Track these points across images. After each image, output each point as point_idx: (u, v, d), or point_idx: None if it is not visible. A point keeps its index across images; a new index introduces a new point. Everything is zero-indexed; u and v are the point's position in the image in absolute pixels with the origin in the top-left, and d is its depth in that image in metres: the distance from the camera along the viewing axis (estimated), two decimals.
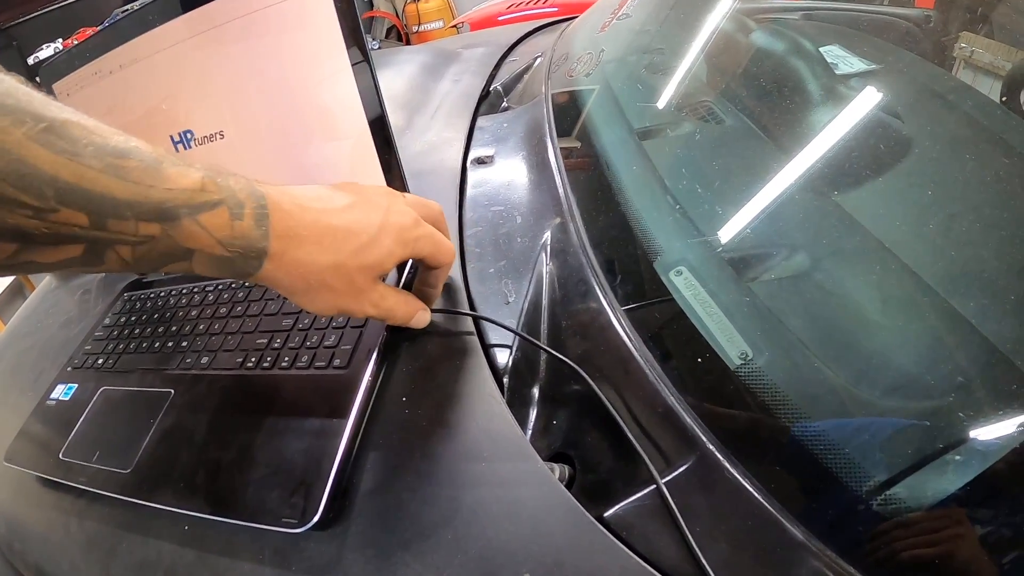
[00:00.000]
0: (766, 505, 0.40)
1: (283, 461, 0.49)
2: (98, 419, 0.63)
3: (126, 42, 0.68)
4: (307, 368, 0.55)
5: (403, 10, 5.83)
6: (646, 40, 0.97)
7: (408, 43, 5.99)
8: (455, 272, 0.62)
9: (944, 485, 0.37)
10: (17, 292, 2.49)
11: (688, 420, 0.44)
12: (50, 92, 0.75)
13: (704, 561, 0.38)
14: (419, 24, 5.72)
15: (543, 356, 0.54)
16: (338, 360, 0.54)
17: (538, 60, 1.18)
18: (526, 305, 0.57)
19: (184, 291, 0.74)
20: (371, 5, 6.16)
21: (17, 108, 0.32)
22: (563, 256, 0.61)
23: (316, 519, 0.44)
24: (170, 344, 0.66)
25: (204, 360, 0.62)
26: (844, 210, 0.49)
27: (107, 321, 0.76)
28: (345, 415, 0.49)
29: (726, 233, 0.54)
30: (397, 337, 0.56)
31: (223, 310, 0.67)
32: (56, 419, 0.66)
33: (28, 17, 2.69)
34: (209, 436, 0.54)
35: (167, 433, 0.57)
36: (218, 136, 0.69)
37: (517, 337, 0.54)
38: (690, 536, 0.40)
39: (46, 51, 2.56)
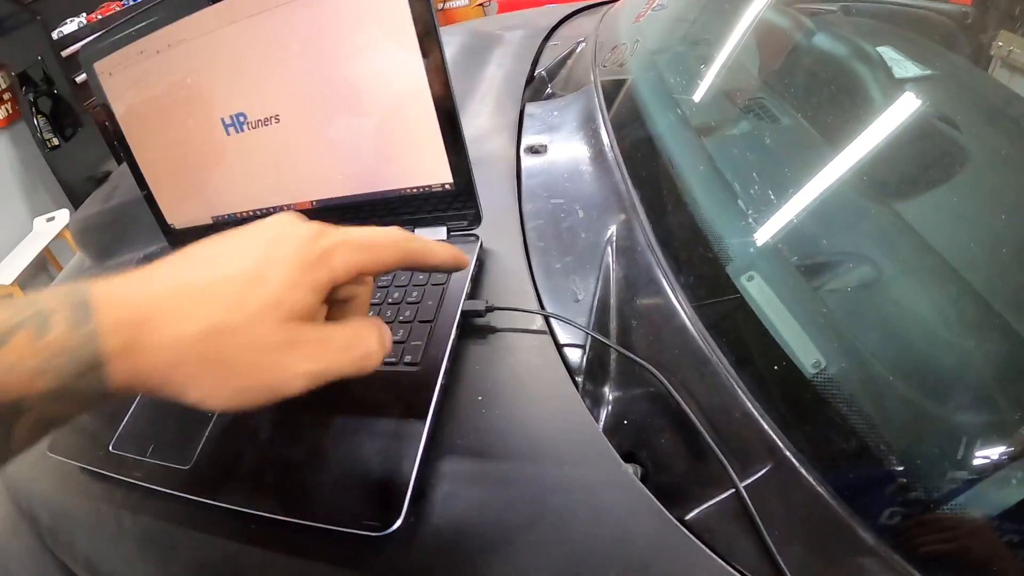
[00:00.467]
0: (840, 511, 0.39)
1: (359, 462, 0.47)
2: (148, 413, 0.61)
3: (174, 22, 0.65)
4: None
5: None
6: (693, 31, 0.96)
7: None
8: (521, 265, 0.61)
9: (1015, 496, 0.36)
10: (41, 267, 2.49)
11: (765, 425, 0.44)
12: (91, 72, 0.72)
13: (783, 565, 0.38)
14: (444, 2, 5.68)
15: (614, 356, 0.52)
16: (409, 357, 0.52)
17: (580, 46, 1.16)
18: (595, 303, 0.56)
19: None
20: None
21: None
22: (631, 254, 0.60)
23: (399, 524, 0.42)
24: None
25: None
26: (910, 223, 0.48)
27: None
28: (423, 415, 0.47)
29: (796, 240, 0.53)
30: (467, 333, 0.55)
31: None
32: (101, 411, 0.63)
33: None
34: (274, 434, 0.52)
35: (228, 429, 0.55)
36: (273, 120, 0.66)
37: (589, 336, 0.52)
38: (769, 540, 0.39)
39: (70, 26, 2.53)
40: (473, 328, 0.55)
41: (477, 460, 0.46)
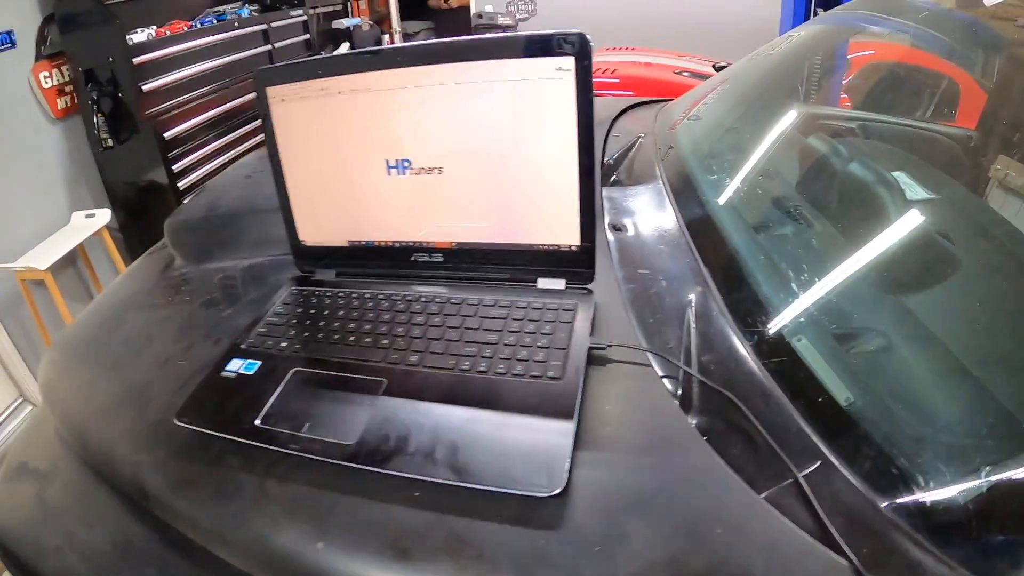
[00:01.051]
0: (867, 494, 0.55)
1: (522, 443, 0.58)
2: (297, 396, 0.70)
3: (362, 72, 0.78)
4: (523, 376, 0.66)
5: None
6: (741, 140, 1.19)
7: None
8: (623, 315, 0.77)
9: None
10: (71, 261, 2.55)
11: (813, 438, 0.60)
12: (262, 94, 0.84)
13: (832, 528, 0.52)
14: None
15: (698, 385, 0.67)
16: (552, 372, 0.65)
17: (639, 141, 1.35)
18: (683, 349, 0.72)
19: (355, 295, 0.83)
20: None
21: None
22: (708, 317, 0.77)
23: (563, 487, 0.53)
24: (367, 340, 0.75)
25: (413, 358, 0.71)
26: (911, 309, 0.72)
27: (278, 309, 0.83)
28: (570, 412, 0.60)
29: (831, 313, 0.76)
30: (592, 361, 0.69)
31: (417, 318, 0.77)
32: (239, 390, 0.71)
33: None
34: (439, 418, 0.63)
35: (392, 413, 0.65)
36: (436, 171, 0.80)
37: (681, 370, 0.67)
38: (821, 510, 0.53)
39: (140, 35, 2.65)
40: (595, 358, 0.69)
41: (610, 447, 0.60)
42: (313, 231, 0.91)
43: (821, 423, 0.60)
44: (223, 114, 3.05)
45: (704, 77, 4.10)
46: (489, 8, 6.02)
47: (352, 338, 0.76)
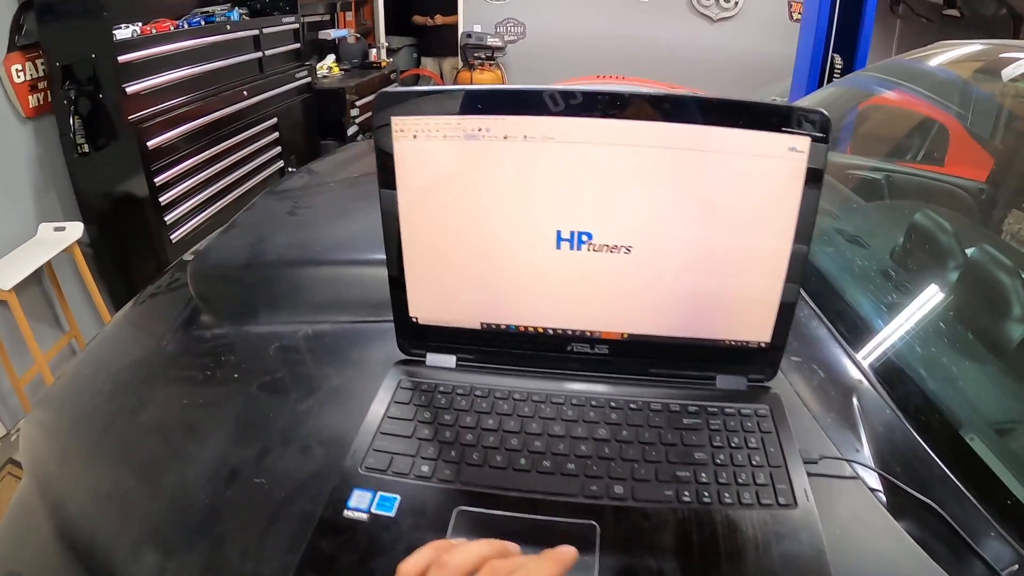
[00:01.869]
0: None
1: None
2: None
3: (547, 115, 0.61)
4: (753, 505, 0.56)
5: (456, 77, 5.98)
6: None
7: None
8: (803, 411, 0.71)
9: None
10: (36, 278, 2.27)
11: None
12: (385, 124, 0.64)
13: None
14: None
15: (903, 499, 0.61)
16: (782, 498, 0.56)
17: None
18: (870, 456, 0.67)
19: (499, 394, 0.67)
20: (418, 62, 6.30)
21: None
22: (878, 417, 0.72)
23: None
24: (544, 463, 0.59)
25: (618, 488, 0.57)
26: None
27: (392, 412, 0.65)
28: (821, 553, 0.52)
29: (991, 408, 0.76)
30: None
31: (599, 430, 0.63)
32: (383, 543, 0.53)
33: None
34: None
35: (627, 573, 0.50)
36: (623, 249, 0.65)
37: (882, 480, 0.63)
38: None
39: (124, 31, 2.40)
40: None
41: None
42: (432, 307, 0.71)
43: (1013, 524, 0.58)
44: (210, 124, 2.79)
45: None
46: (478, 28, 5.95)
47: (523, 460, 0.60)
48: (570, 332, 0.69)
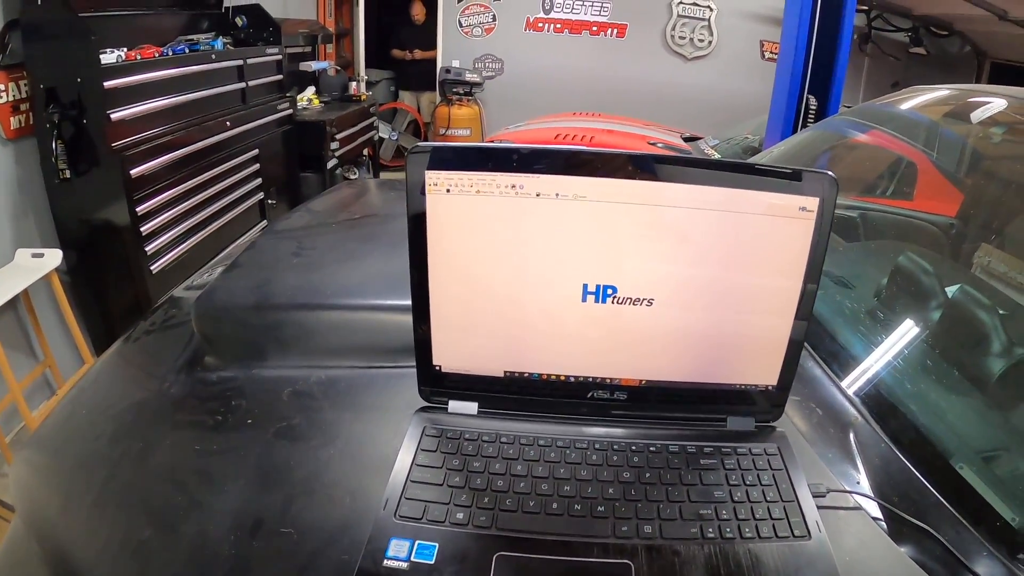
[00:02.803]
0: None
1: None
2: None
3: (581, 176, 0.65)
4: (772, 538, 0.60)
5: (434, 112, 6.03)
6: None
7: (425, 138, 6.16)
8: (807, 448, 0.75)
9: None
10: (11, 306, 2.22)
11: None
12: (418, 178, 0.66)
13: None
14: (448, 127, 5.93)
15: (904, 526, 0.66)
16: (797, 531, 0.61)
17: None
18: (868, 486, 0.72)
19: (524, 440, 0.69)
20: (396, 96, 6.34)
21: None
22: (875, 449, 0.77)
23: None
24: (576, 506, 0.62)
25: (648, 528, 0.60)
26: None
27: (420, 460, 0.66)
28: None
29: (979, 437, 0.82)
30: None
31: (624, 473, 0.66)
32: None
33: (107, 13, 2.53)
34: None
35: None
36: (645, 302, 0.69)
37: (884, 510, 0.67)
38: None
39: (109, 56, 2.38)
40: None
41: None
42: (456, 355, 0.73)
43: (1003, 543, 0.63)
44: (192, 154, 2.77)
45: (676, 149, 4.13)
46: (456, 63, 6.02)
47: (555, 504, 0.62)
48: (591, 379, 0.72)
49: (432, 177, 0.66)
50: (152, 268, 2.55)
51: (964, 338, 0.95)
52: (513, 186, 0.65)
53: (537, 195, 0.65)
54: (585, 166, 0.64)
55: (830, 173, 0.64)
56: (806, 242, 0.66)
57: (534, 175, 0.64)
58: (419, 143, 0.72)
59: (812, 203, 0.64)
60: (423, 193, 0.66)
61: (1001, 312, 0.94)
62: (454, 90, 5.97)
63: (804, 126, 2.65)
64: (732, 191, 0.64)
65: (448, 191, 0.66)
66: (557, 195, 0.65)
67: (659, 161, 0.64)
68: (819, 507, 0.64)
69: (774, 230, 0.65)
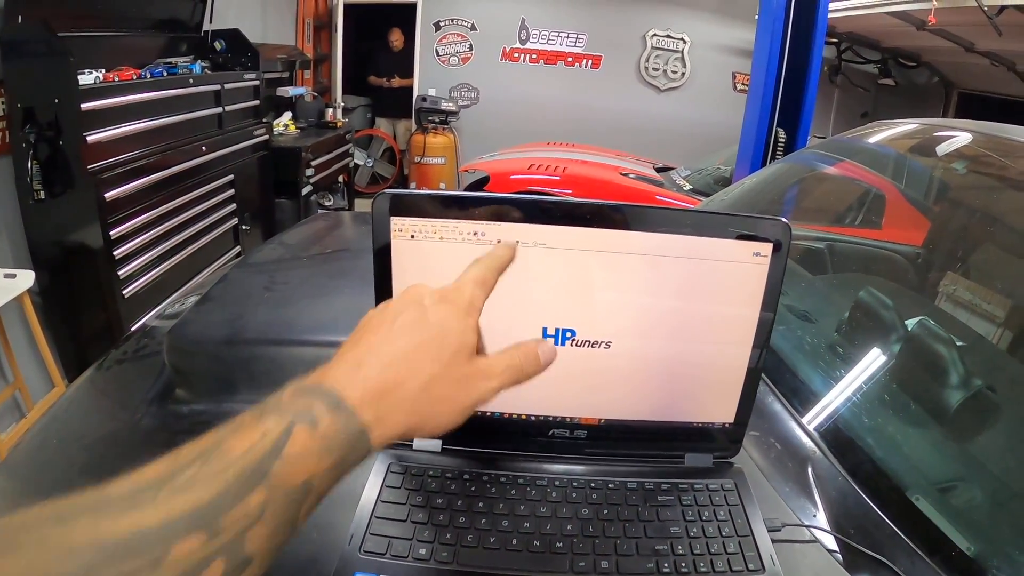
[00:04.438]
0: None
1: None
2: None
3: (539, 223, 0.67)
4: (727, 573, 0.63)
5: (409, 139, 6.05)
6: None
7: (401, 165, 6.18)
8: (763, 482, 0.77)
9: None
10: None
11: None
12: (383, 224, 0.67)
13: None
14: (423, 155, 5.96)
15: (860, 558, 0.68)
16: (751, 565, 0.63)
17: None
18: (826, 520, 0.74)
19: (485, 478, 0.71)
20: (372, 123, 6.36)
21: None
22: (832, 484, 0.80)
23: None
24: (535, 543, 0.64)
25: (604, 564, 0.62)
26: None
27: (385, 497, 0.68)
28: None
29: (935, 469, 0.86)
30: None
31: (583, 510, 0.68)
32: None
33: (86, 34, 2.54)
34: None
35: None
36: (603, 345, 0.70)
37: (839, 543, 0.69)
38: None
39: (87, 77, 2.37)
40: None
41: None
42: None
43: (958, 574, 0.65)
44: (167, 178, 2.77)
45: (648, 180, 4.19)
46: (432, 92, 6.07)
47: (515, 540, 0.64)
48: (551, 418, 0.74)
49: (397, 223, 0.67)
50: (124, 292, 2.54)
51: (922, 371, 0.98)
52: (475, 233, 0.67)
53: (498, 241, 0.67)
54: (545, 214, 0.66)
55: (783, 220, 0.67)
56: (760, 286, 0.68)
57: (495, 223, 0.66)
58: (385, 190, 0.75)
59: (766, 248, 0.67)
60: (388, 237, 0.68)
61: (959, 344, 0.97)
62: (430, 118, 6.02)
63: (773, 158, 2.72)
64: (688, 238, 0.67)
65: (412, 236, 0.68)
66: (518, 242, 0.67)
67: (617, 210, 0.66)
68: (774, 541, 0.66)
69: (729, 274, 0.68)
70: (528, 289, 0.68)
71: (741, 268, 0.68)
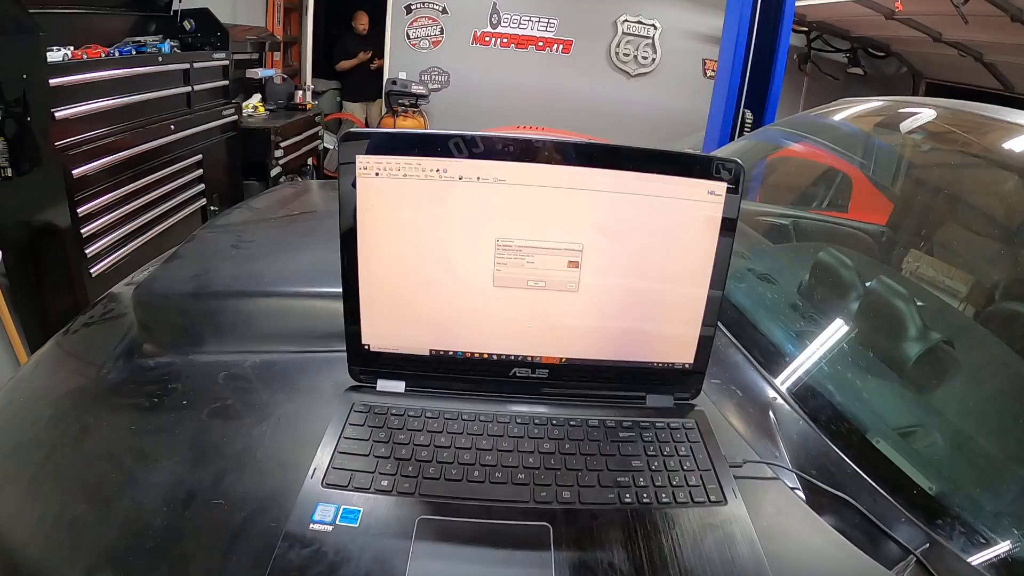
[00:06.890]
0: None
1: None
2: (441, 557, 0.57)
3: (502, 160, 0.68)
4: (689, 503, 0.64)
5: (379, 122, 6.00)
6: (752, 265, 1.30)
7: None
8: (724, 424, 0.79)
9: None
10: None
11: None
12: (349, 161, 0.68)
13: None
14: None
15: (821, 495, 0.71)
16: (713, 496, 0.65)
17: None
18: (786, 458, 0.77)
19: (449, 415, 0.72)
20: (340, 106, 6.30)
21: None
22: (793, 427, 0.83)
23: None
24: (497, 474, 0.65)
25: (566, 494, 0.63)
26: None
27: (348, 434, 0.69)
28: (753, 543, 0.60)
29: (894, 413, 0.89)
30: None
31: (545, 445, 0.69)
32: (351, 553, 0.56)
33: (55, 11, 2.49)
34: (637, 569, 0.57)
35: (582, 567, 0.57)
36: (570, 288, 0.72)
37: (801, 479, 0.72)
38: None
39: (55, 54, 2.34)
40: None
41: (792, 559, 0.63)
42: (383, 335, 0.75)
43: (921, 510, 0.68)
44: (135, 156, 2.73)
45: None
46: (403, 75, 6.03)
47: (476, 472, 0.65)
48: (513, 357, 0.75)
49: (363, 161, 0.68)
50: (92, 271, 2.50)
51: (881, 325, 1.01)
52: (437, 170, 0.68)
53: (460, 178, 0.68)
54: (505, 151, 0.68)
55: (738, 160, 0.69)
56: (716, 224, 0.70)
57: (458, 159, 0.68)
58: (358, 129, 0.75)
59: (720, 187, 0.69)
60: (354, 176, 0.68)
61: (919, 303, 1.00)
62: (400, 102, 5.98)
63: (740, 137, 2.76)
64: (646, 176, 0.68)
65: (377, 175, 0.68)
66: (479, 178, 0.68)
67: (576, 147, 0.68)
68: (736, 476, 0.68)
69: (687, 213, 0.70)
70: (487, 225, 0.69)
71: (697, 207, 0.69)
